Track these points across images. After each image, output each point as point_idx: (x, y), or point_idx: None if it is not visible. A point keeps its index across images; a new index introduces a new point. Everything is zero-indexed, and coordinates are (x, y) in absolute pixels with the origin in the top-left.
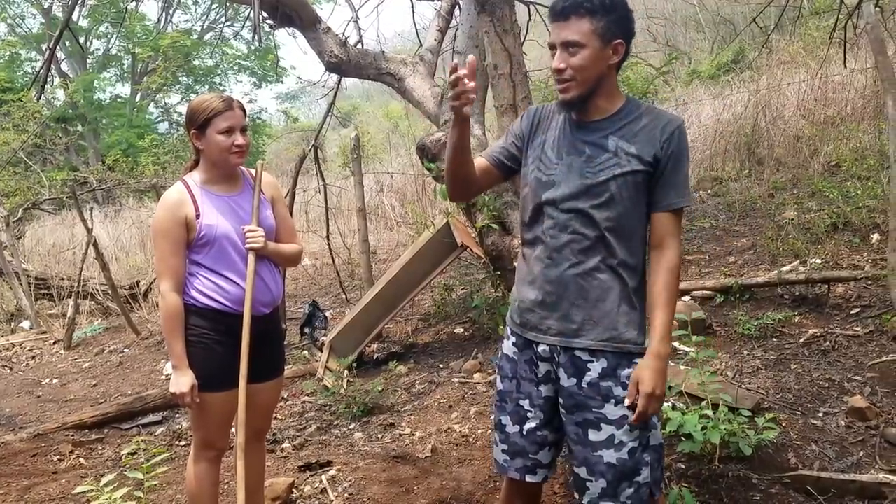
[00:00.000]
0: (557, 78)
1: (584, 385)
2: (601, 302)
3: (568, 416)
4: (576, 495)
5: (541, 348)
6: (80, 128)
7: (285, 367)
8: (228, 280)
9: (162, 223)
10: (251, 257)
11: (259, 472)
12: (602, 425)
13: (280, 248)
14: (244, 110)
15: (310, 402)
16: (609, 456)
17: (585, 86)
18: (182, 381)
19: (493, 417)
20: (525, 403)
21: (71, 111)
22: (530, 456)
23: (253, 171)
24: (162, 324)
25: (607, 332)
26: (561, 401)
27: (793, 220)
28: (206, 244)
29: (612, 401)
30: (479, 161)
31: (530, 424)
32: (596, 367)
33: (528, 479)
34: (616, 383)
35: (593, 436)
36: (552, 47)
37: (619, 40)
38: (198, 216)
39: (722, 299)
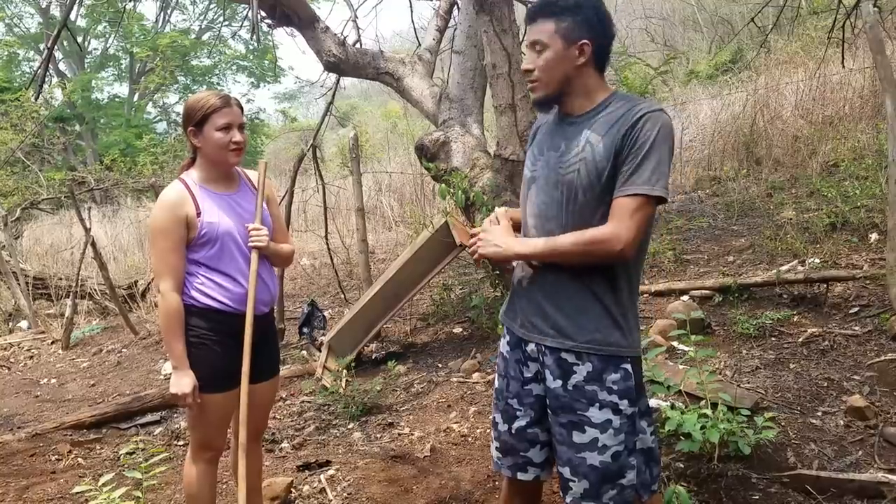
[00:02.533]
0: (527, 79)
1: (570, 387)
2: (580, 304)
3: (553, 416)
4: (560, 494)
5: (529, 348)
6: (77, 127)
7: (284, 367)
8: (230, 279)
9: (162, 222)
10: (254, 256)
11: (257, 471)
12: (586, 428)
13: (279, 248)
14: (242, 108)
15: (308, 402)
16: (592, 458)
17: (551, 86)
18: (183, 381)
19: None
20: (514, 402)
21: (69, 111)
22: (521, 454)
23: (247, 171)
24: (161, 324)
25: (591, 334)
26: (548, 401)
27: (791, 219)
28: (206, 242)
29: (597, 405)
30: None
31: (519, 423)
32: (581, 370)
33: (520, 476)
34: (601, 387)
35: (577, 437)
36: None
37: (584, 41)
38: (199, 214)
39: (721, 299)
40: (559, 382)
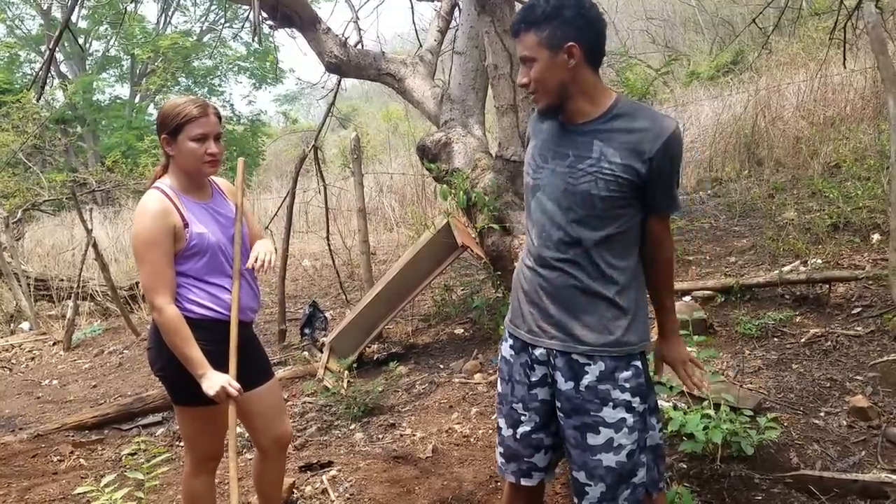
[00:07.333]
0: (527, 91)
1: (582, 388)
2: (592, 307)
3: (566, 419)
4: (574, 499)
5: (538, 352)
6: (79, 129)
7: (286, 368)
8: (221, 288)
9: (151, 233)
10: (236, 277)
11: (277, 482)
12: (600, 429)
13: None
14: (219, 116)
15: (310, 403)
16: (608, 459)
17: (550, 95)
18: (214, 381)
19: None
20: (518, 407)
21: (70, 112)
22: (525, 459)
23: (217, 179)
24: (170, 339)
25: (604, 336)
26: (558, 404)
27: (793, 220)
28: (196, 253)
29: (610, 404)
30: None
31: (524, 428)
32: (594, 370)
33: (524, 482)
34: (614, 386)
35: (592, 440)
36: None
37: (570, 43)
38: (186, 225)
39: (723, 299)
40: (570, 384)
